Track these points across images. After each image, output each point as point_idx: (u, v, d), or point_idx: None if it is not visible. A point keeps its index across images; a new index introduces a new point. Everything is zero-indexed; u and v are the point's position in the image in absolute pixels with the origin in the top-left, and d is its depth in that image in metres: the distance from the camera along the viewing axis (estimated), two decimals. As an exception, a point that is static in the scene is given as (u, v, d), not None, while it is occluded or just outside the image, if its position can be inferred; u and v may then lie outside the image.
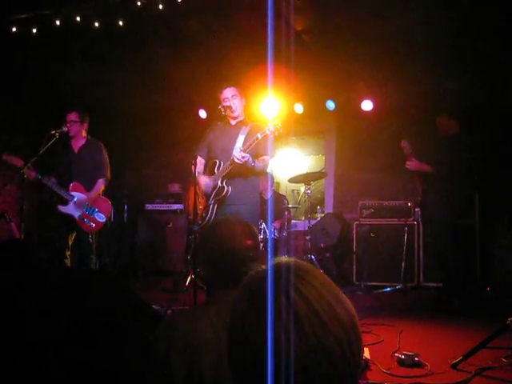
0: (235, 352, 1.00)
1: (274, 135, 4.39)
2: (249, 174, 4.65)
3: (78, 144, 5.82)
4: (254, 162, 4.54)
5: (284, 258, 1.08)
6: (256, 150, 4.57)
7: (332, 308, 0.98)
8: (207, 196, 4.72)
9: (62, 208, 5.57)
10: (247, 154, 4.44)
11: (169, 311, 4.73)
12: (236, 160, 4.44)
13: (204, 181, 4.72)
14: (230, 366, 1.01)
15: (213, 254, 1.98)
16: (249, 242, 1.99)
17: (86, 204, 5.60)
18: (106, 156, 5.86)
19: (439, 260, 5.71)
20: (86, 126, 5.84)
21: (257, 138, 4.41)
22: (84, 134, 5.84)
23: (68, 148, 5.81)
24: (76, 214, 5.57)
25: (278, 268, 1.04)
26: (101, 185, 5.75)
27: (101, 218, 5.63)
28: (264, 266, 1.06)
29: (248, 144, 4.48)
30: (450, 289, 5.39)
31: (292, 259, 1.07)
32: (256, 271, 1.07)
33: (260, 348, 0.94)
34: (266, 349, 0.94)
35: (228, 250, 1.94)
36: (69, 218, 5.59)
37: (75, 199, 5.59)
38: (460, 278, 5.38)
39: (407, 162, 5.65)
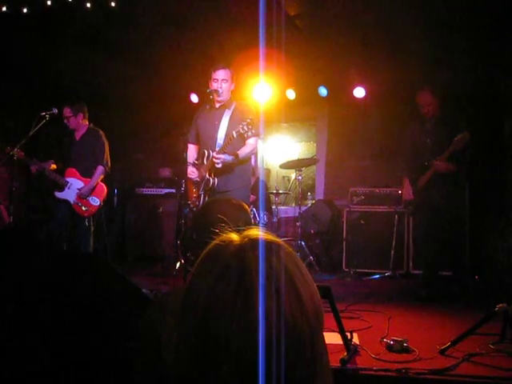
0: (201, 341, 0.81)
1: (251, 132, 4.50)
2: (234, 165, 4.76)
3: (79, 133, 6.00)
4: (234, 158, 4.65)
5: (254, 230, 0.95)
6: (242, 135, 4.62)
7: (307, 283, 0.87)
8: (198, 186, 4.84)
9: (58, 194, 5.79)
10: (222, 156, 4.56)
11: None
12: (216, 165, 4.59)
13: (190, 172, 4.86)
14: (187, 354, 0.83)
15: (204, 236, 1.93)
16: (241, 223, 1.94)
17: (82, 190, 5.73)
18: (106, 144, 5.97)
19: (433, 249, 5.59)
20: (81, 116, 5.95)
21: (232, 137, 4.53)
22: (84, 123, 5.98)
23: (72, 135, 6.01)
24: (71, 198, 5.75)
25: (253, 240, 0.91)
26: (101, 172, 5.86)
27: (95, 201, 5.79)
28: (231, 237, 0.94)
29: (225, 143, 4.62)
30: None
31: (261, 232, 0.94)
32: (223, 242, 0.94)
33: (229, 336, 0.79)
34: (233, 336, 0.78)
35: (220, 231, 1.89)
36: (65, 202, 5.78)
37: (70, 184, 5.76)
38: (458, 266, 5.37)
39: (436, 162, 5.18)
